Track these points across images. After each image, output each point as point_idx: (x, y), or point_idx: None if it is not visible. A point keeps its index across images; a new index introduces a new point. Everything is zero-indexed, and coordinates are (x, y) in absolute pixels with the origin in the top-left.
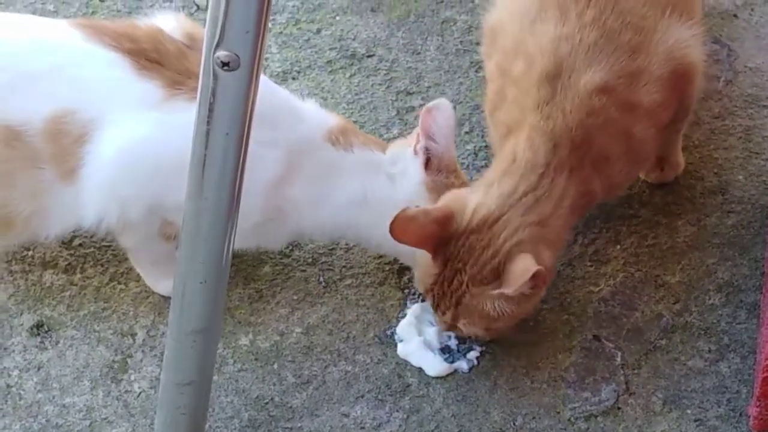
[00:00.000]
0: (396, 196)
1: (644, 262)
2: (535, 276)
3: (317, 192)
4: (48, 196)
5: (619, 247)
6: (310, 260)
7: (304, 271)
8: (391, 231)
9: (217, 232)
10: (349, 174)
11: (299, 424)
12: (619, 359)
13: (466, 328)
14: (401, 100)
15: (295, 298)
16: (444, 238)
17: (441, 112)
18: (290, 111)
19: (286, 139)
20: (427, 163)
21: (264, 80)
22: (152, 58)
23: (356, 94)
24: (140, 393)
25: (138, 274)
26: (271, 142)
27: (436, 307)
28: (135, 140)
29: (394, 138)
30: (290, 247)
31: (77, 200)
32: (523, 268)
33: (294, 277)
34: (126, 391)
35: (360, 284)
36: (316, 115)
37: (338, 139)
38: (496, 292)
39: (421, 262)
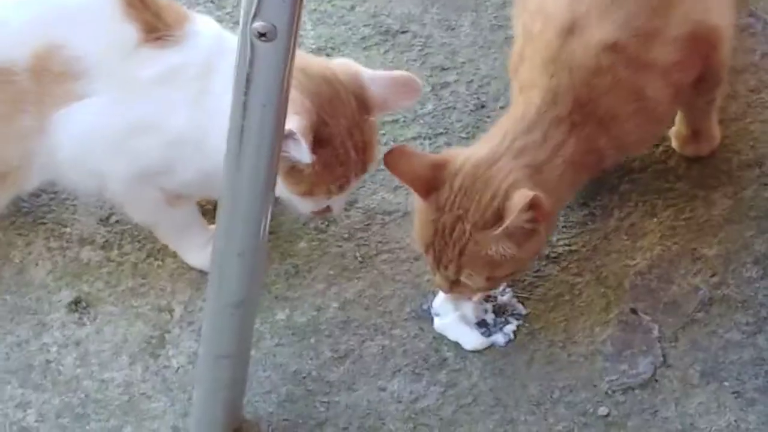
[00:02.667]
0: None
1: (681, 236)
2: (532, 206)
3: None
4: (30, 147)
5: (655, 220)
6: (346, 235)
7: (340, 246)
8: (385, 161)
9: (254, 204)
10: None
11: (336, 398)
12: (656, 332)
13: (470, 279)
14: (436, 75)
15: (332, 273)
16: (436, 182)
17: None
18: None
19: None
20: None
21: None
22: None
23: (391, 69)
24: (178, 368)
25: (174, 251)
26: None
27: (437, 262)
28: (96, 110)
29: (431, 115)
30: (326, 223)
31: (53, 160)
32: (520, 196)
33: (330, 253)
34: (164, 366)
35: (396, 259)
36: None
37: None
38: (498, 230)
39: (419, 215)
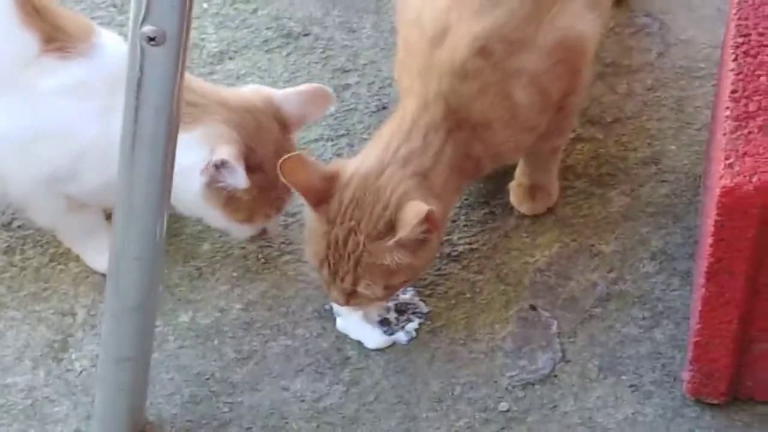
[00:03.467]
0: (181, 189)
1: (579, 233)
2: (427, 218)
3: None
4: None
5: (554, 218)
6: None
7: (244, 248)
8: (281, 168)
9: (149, 207)
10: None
11: (240, 399)
12: (555, 328)
13: (367, 290)
14: (337, 77)
15: (235, 275)
16: (327, 194)
17: (228, 164)
18: None
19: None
20: (211, 184)
21: None
22: (36, 5)
23: (293, 73)
24: (81, 371)
25: (77, 255)
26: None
27: (333, 275)
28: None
29: (333, 117)
30: None
31: None
32: (414, 211)
33: (233, 255)
34: (67, 370)
35: (299, 260)
36: None
37: None
38: (392, 242)
39: (310, 230)
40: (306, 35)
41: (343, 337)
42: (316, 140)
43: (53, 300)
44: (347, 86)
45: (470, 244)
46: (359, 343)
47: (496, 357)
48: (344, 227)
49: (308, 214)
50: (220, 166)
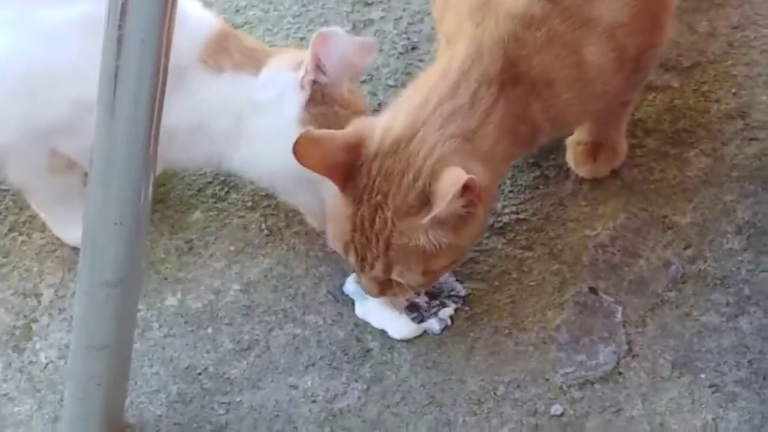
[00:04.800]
0: (263, 127)
1: (650, 201)
2: (466, 188)
3: (189, 121)
4: None
5: (619, 182)
6: (249, 204)
7: (243, 217)
8: (295, 154)
9: (132, 161)
10: (219, 103)
11: (239, 398)
12: (619, 316)
13: (403, 277)
14: (358, 11)
15: (233, 249)
16: (353, 167)
17: (335, 41)
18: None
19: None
20: (312, 96)
21: None
22: None
23: (304, 5)
24: (47, 364)
25: (43, 224)
26: None
27: (361, 262)
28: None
29: None
30: (225, 189)
31: None
32: (452, 179)
33: (231, 225)
34: (30, 362)
35: (310, 231)
36: (197, 22)
37: (210, 59)
38: (429, 218)
39: (333, 210)
40: None
41: (363, 325)
42: None
43: (14, 278)
44: (370, 22)
45: (517, 213)
46: (382, 332)
47: (548, 350)
48: (370, 204)
49: (328, 191)
50: (322, 65)
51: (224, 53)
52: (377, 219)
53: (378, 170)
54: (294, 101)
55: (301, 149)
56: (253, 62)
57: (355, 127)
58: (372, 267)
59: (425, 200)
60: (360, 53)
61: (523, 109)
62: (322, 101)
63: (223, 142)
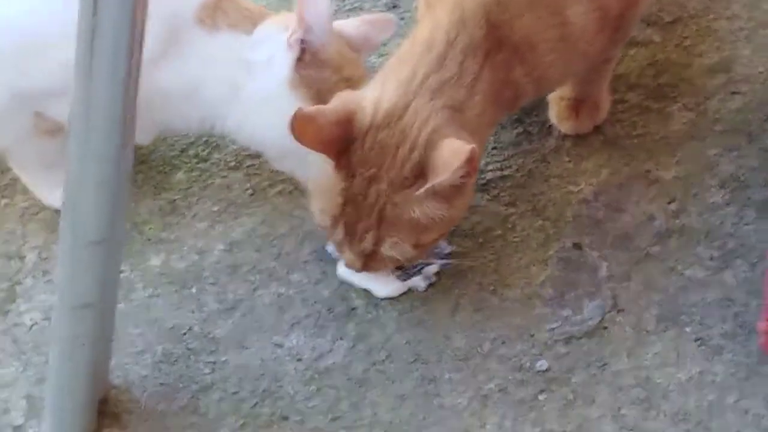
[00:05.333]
0: (254, 88)
1: (633, 156)
2: (468, 159)
3: (184, 82)
4: None
5: (602, 138)
6: (232, 164)
7: (226, 176)
8: (292, 132)
9: (112, 118)
10: (213, 63)
11: (224, 358)
12: (604, 270)
13: (393, 250)
14: None
15: (216, 209)
16: (346, 142)
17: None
18: None
19: (162, 13)
20: (301, 57)
21: None
22: None
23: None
24: (32, 326)
25: (25, 186)
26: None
27: (350, 235)
28: None
29: (334, 18)
30: (208, 149)
31: None
32: (454, 150)
33: (214, 185)
34: (15, 325)
35: (293, 191)
36: None
37: (206, 18)
38: (425, 189)
39: (320, 184)
40: None
41: (348, 284)
42: None
43: None
44: None
45: (501, 170)
46: (367, 291)
47: (533, 306)
48: (364, 177)
49: (314, 163)
50: (308, 25)
51: (221, 12)
52: (371, 191)
53: (371, 143)
54: (284, 61)
55: (298, 127)
56: (249, 21)
57: (342, 101)
58: (362, 240)
59: (420, 172)
60: (377, 28)
61: (506, 73)
62: (313, 63)
63: (217, 104)
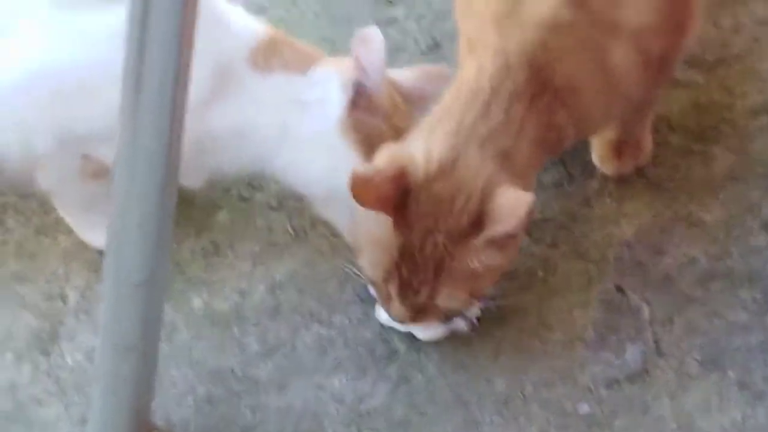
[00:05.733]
0: (306, 129)
1: (675, 198)
2: (527, 212)
3: (236, 125)
4: None
5: (645, 180)
6: (274, 204)
7: (268, 217)
8: (354, 195)
9: (157, 159)
10: (266, 104)
11: (265, 400)
12: (646, 314)
13: (448, 301)
14: (381, 10)
15: (258, 250)
16: (401, 197)
17: (372, 42)
18: (218, 19)
19: (212, 56)
20: (354, 100)
21: None
22: None
23: (326, 4)
24: (74, 366)
25: (69, 226)
26: (198, 56)
27: (404, 289)
28: (31, 55)
29: None
30: (250, 190)
31: None
32: (513, 200)
33: (256, 226)
34: (57, 365)
35: (335, 232)
36: (243, 26)
37: (260, 60)
38: (483, 238)
39: (373, 238)
40: None
41: (389, 326)
42: None
43: (39, 281)
44: (393, 20)
45: (542, 212)
46: (409, 333)
47: (574, 349)
48: (420, 230)
49: (364, 216)
50: (363, 67)
51: (275, 54)
52: (427, 244)
53: (426, 197)
54: (337, 103)
55: (356, 189)
56: (304, 63)
57: (391, 156)
58: (417, 292)
59: (477, 222)
60: (431, 81)
61: (550, 117)
62: (366, 108)
63: (267, 146)
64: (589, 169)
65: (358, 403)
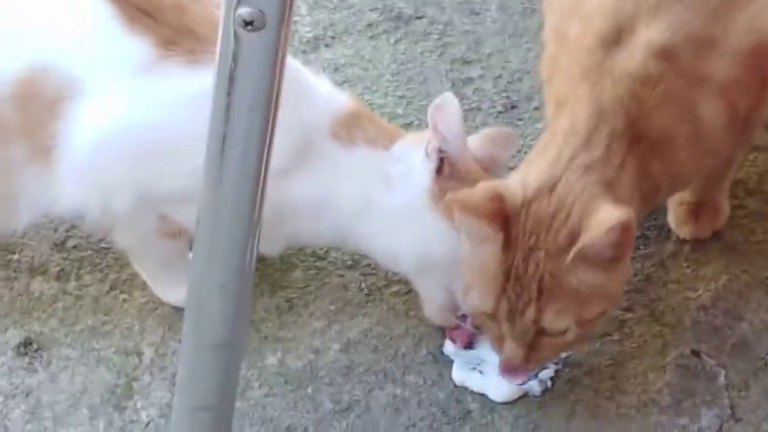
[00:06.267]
0: (393, 202)
1: (752, 262)
2: (621, 226)
3: (316, 195)
4: (17, 180)
5: (721, 244)
6: (349, 263)
7: (343, 276)
8: (456, 205)
9: (239, 225)
10: (349, 176)
11: None
12: (722, 379)
13: (555, 323)
14: (457, 70)
15: (332, 308)
16: (503, 218)
17: (449, 108)
18: (302, 90)
19: (294, 126)
20: (440, 169)
21: None
22: (144, 9)
23: (402, 64)
24: (149, 423)
25: (144, 282)
26: (280, 124)
27: (512, 313)
28: (113, 114)
29: None
30: (325, 249)
31: (51, 187)
32: (609, 212)
33: (330, 284)
34: (132, 421)
35: (409, 291)
36: (326, 98)
37: (342, 132)
38: (576, 249)
39: (478, 269)
40: (419, 18)
41: (463, 387)
42: None
43: (115, 336)
44: (469, 80)
45: None
46: (483, 395)
47: (649, 413)
48: (523, 250)
49: (472, 246)
50: (442, 134)
51: (357, 127)
52: (530, 263)
53: (526, 217)
54: (424, 173)
55: (461, 202)
56: (386, 138)
57: (484, 188)
58: (523, 314)
59: (575, 241)
60: (500, 146)
61: (646, 165)
62: (451, 176)
63: (350, 218)
64: (665, 231)
65: None
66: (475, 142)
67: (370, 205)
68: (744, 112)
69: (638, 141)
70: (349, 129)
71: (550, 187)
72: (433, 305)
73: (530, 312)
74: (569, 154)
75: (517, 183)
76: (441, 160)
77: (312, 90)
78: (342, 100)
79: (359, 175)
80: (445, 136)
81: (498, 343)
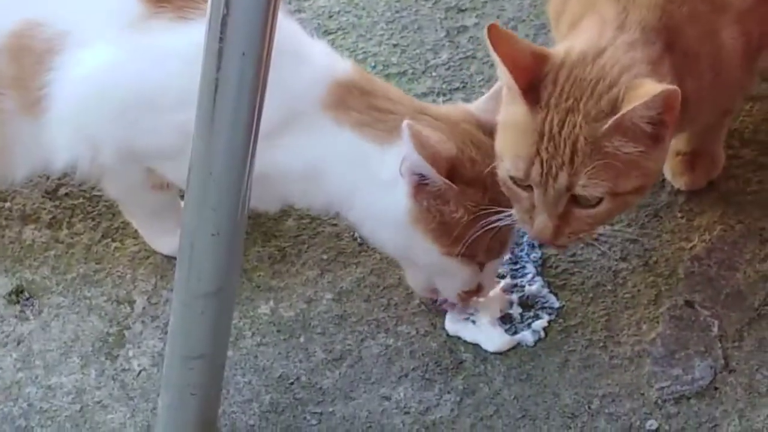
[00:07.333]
0: (377, 204)
1: (746, 213)
2: (666, 99)
3: (302, 167)
4: (9, 131)
5: (716, 194)
6: None
7: (336, 225)
8: (490, 37)
9: (231, 173)
10: (335, 161)
11: (330, 409)
12: (716, 329)
13: (587, 189)
14: (452, 18)
15: (325, 257)
16: (535, 77)
17: (406, 138)
18: (295, 51)
19: (284, 88)
20: (417, 187)
21: None
22: None
23: (397, 12)
24: (140, 371)
25: (136, 230)
26: (269, 87)
27: (545, 176)
28: (100, 66)
29: (446, 66)
30: None
31: (42, 138)
32: (654, 87)
33: (323, 233)
34: (123, 370)
35: None
36: (321, 65)
37: (334, 104)
38: (615, 118)
39: (513, 127)
40: None
41: (456, 337)
42: (425, 94)
43: (107, 284)
44: (463, 29)
45: (611, 225)
46: (475, 344)
47: (643, 364)
48: (560, 109)
49: (506, 107)
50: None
51: (351, 107)
52: (566, 124)
53: (566, 78)
54: (403, 192)
55: (495, 37)
56: (381, 126)
57: (531, 45)
58: (556, 178)
59: (617, 108)
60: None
61: (680, 81)
62: (431, 195)
63: (337, 199)
64: (659, 182)
65: (423, 415)
66: (486, 107)
67: (355, 196)
68: (756, 44)
69: (671, 48)
70: (342, 105)
71: (595, 55)
72: (415, 280)
73: (563, 176)
74: (611, 32)
75: (562, 49)
76: (420, 177)
77: (304, 56)
78: (340, 68)
79: (346, 163)
80: (413, 161)
81: (527, 216)
